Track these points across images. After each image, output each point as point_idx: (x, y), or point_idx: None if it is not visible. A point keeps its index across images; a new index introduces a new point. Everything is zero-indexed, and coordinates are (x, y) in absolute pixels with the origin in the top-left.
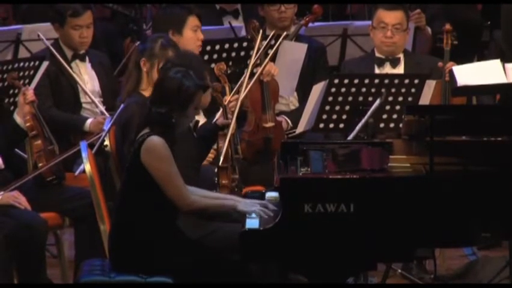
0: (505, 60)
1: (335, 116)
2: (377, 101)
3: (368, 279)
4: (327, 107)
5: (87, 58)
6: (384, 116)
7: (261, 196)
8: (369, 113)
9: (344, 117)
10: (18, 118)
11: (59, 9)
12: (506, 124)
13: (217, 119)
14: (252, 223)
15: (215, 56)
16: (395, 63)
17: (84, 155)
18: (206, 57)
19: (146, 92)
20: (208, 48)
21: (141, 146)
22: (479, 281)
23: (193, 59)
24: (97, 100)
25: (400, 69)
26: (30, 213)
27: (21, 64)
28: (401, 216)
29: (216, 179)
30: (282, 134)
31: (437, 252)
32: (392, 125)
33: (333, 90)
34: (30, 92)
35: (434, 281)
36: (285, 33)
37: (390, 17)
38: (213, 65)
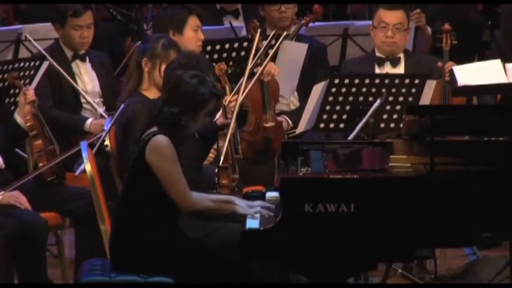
0: (505, 60)
1: (335, 116)
2: (378, 101)
3: (369, 279)
4: (328, 107)
5: (87, 58)
6: (385, 116)
7: (262, 196)
8: (369, 112)
9: (345, 117)
10: (18, 118)
11: (60, 10)
12: (507, 124)
13: (217, 119)
14: (253, 223)
15: (215, 56)
16: (395, 63)
17: (84, 154)
18: (206, 57)
19: (147, 92)
20: (209, 48)
21: (146, 145)
22: (479, 280)
23: (200, 59)
24: (97, 100)
25: (400, 69)
26: (31, 213)
27: (22, 64)
28: (401, 216)
29: (216, 179)
30: (282, 134)
31: (438, 252)
32: (392, 125)
33: (333, 90)
34: (30, 92)
35: (434, 281)
36: (285, 33)
37: (391, 16)
38: (213, 65)
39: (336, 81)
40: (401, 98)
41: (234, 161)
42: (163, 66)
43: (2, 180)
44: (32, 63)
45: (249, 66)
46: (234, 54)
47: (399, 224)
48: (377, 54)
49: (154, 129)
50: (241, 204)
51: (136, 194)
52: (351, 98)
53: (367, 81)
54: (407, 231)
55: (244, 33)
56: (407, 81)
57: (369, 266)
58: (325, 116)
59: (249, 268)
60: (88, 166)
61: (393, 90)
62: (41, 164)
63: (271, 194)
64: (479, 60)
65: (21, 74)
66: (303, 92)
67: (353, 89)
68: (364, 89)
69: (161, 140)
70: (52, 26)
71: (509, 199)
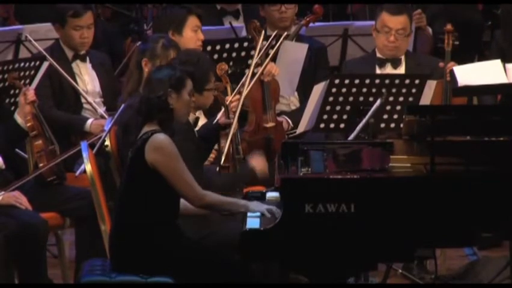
0: (505, 60)
1: (335, 116)
2: (378, 101)
3: (369, 279)
4: (328, 107)
5: (88, 58)
6: (385, 116)
7: (262, 196)
8: (370, 113)
9: (345, 117)
10: (19, 118)
11: (60, 10)
12: (507, 124)
13: (218, 119)
14: (253, 223)
15: (216, 56)
16: (396, 63)
17: (85, 155)
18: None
19: None
20: (209, 48)
21: (145, 144)
22: (479, 281)
23: (201, 57)
24: (97, 100)
25: (401, 70)
26: (31, 213)
27: (22, 64)
28: (401, 216)
29: None
30: (282, 134)
31: (438, 252)
32: (392, 125)
33: (333, 90)
34: (31, 92)
35: (434, 281)
36: (285, 33)
37: (395, 22)
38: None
39: (337, 81)
40: (401, 98)
41: (235, 161)
42: None
43: (3, 181)
44: (33, 64)
45: (252, 66)
46: (234, 54)
47: (400, 224)
48: (378, 55)
49: (148, 128)
50: (253, 203)
51: (136, 194)
52: (351, 98)
53: (367, 81)
54: (408, 231)
55: (244, 33)
56: (407, 81)
57: (369, 266)
58: (325, 116)
59: (249, 268)
60: (88, 166)
61: (394, 90)
62: (41, 164)
63: (272, 194)
64: (479, 60)
65: (22, 74)
66: (304, 92)
67: (353, 89)
68: (364, 89)
69: (162, 138)
70: (52, 26)
71: (509, 199)
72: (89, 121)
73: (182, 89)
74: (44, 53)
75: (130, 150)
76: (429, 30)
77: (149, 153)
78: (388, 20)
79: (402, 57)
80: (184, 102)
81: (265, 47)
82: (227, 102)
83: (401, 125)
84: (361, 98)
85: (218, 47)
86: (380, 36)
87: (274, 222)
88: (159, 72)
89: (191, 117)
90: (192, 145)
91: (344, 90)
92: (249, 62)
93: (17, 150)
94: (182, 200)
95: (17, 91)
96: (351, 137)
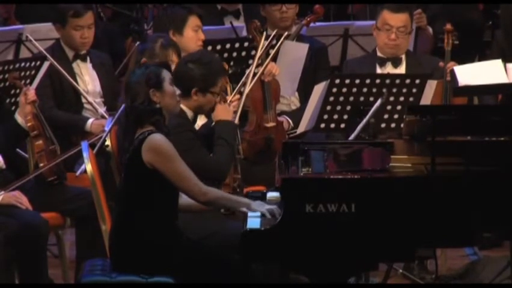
0: (506, 60)
1: (336, 116)
2: (378, 101)
3: (370, 279)
4: (329, 107)
5: (88, 58)
6: (386, 116)
7: (262, 196)
8: (370, 113)
9: (345, 117)
10: (19, 118)
11: (61, 10)
12: (508, 124)
13: None
14: (254, 223)
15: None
16: (396, 63)
17: (85, 155)
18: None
19: None
20: (210, 48)
21: (141, 145)
22: (480, 281)
23: (214, 60)
24: (98, 100)
25: (402, 69)
26: (32, 213)
27: (23, 64)
28: (402, 216)
29: None
30: (283, 134)
31: (439, 252)
32: (393, 125)
33: (334, 90)
34: (31, 92)
35: (435, 281)
36: (286, 33)
37: (396, 19)
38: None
39: (337, 81)
40: (402, 98)
41: (236, 161)
42: None
43: (3, 181)
44: (33, 63)
45: (253, 66)
46: (235, 54)
47: (400, 224)
48: (379, 54)
49: (142, 130)
50: (255, 202)
51: (135, 194)
52: (352, 98)
53: (368, 81)
54: (408, 231)
55: (245, 33)
56: (408, 81)
57: (370, 266)
58: (326, 116)
59: (249, 268)
60: (88, 166)
61: (394, 90)
62: (41, 164)
63: (272, 194)
64: (480, 60)
65: (22, 74)
66: (304, 92)
67: (354, 89)
68: (365, 89)
69: (158, 138)
70: (53, 26)
71: (509, 199)
72: (90, 121)
73: (162, 83)
74: (45, 52)
75: (127, 151)
76: (430, 30)
77: (146, 154)
78: (389, 17)
79: (403, 57)
80: (169, 94)
81: (265, 47)
82: (227, 102)
83: (402, 125)
84: (362, 98)
85: (219, 47)
86: (381, 34)
87: (275, 222)
88: (134, 76)
89: (189, 115)
90: (191, 133)
91: (344, 90)
92: (250, 62)
93: (17, 150)
94: (185, 198)
95: (17, 91)
96: (351, 137)
